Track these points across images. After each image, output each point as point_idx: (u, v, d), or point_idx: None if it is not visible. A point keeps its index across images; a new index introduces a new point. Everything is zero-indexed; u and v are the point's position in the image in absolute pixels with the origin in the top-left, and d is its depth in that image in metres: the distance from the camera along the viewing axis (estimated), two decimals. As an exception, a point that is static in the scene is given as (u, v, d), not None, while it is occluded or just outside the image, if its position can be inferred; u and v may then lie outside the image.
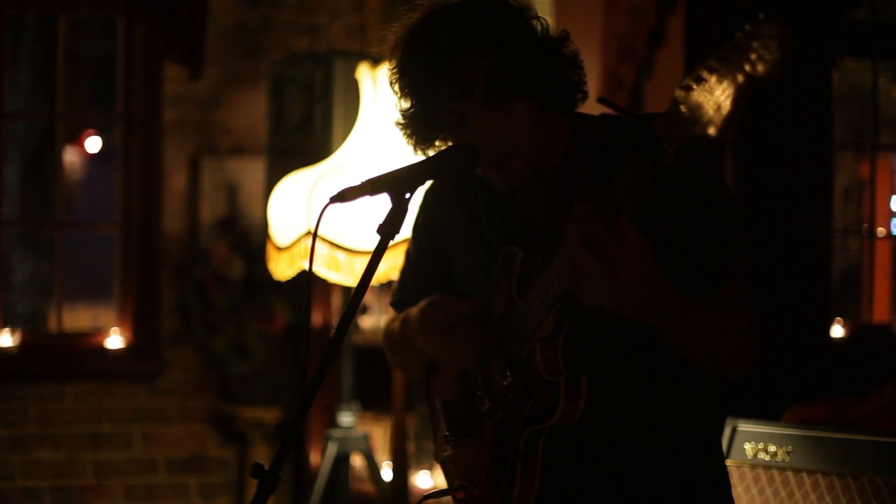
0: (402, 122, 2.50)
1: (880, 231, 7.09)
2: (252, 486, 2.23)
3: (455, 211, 2.65)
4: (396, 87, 2.47)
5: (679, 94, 2.01)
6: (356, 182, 2.31)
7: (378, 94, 4.71)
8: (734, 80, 1.95)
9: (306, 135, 5.24)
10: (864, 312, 6.82)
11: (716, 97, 1.97)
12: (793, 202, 5.58)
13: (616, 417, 2.44)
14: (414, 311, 2.63)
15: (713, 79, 1.97)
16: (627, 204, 2.12)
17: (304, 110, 5.31)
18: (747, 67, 1.93)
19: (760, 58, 1.92)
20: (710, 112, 1.98)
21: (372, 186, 2.31)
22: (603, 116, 2.53)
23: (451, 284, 2.69)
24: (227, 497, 6.91)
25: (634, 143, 2.08)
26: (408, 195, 2.30)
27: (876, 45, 6.46)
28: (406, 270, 2.81)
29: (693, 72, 2.01)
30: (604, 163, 2.38)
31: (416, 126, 2.48)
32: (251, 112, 6.88)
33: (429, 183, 2.71)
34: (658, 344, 2.38)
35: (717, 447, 2.58)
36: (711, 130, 1.99)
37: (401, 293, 2.81)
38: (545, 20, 2.47)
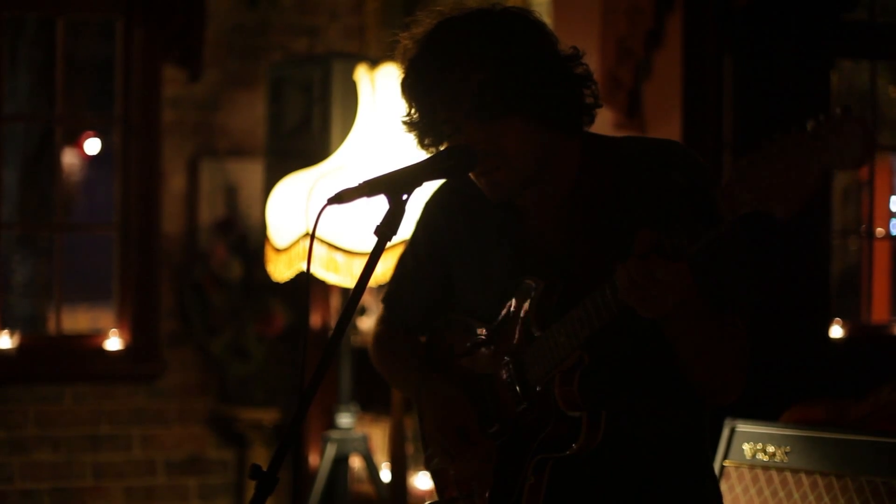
0: (407, 125, 2.50)
1: (879, 231, 7.08)
2: (251, 488, 2.23)
3: (462, 225, 2.65)
4: (401, 93, 2.49)
5: (742, 165, 2.01)
6: (354, 184, 2.32)
7: (376, 95, 4.71)
8: (809, 168, 1.95)
9: (304, 136, 5.25)
10: (862, 313, 6.81)
11: (783, 179, 1.97)
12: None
13: (622, 446, 2.46)
14: (440, 391, 2.60)
15: (784, 160, 1.96)
16: (673, 260, 2.16)
17: (302, 112, 5.32)
18: (824, 159, 1.93)
19: (840, 153, 1.92)
20: (778, 192, 1.98)
21: (369, 188, 2.31)
22: (621, 139, 2.54)
23: (449, 299, 2.69)
24: (226, 498, 6.91)
25: (692, 207, 2.10)
26: (405, 197, 2.30)
27: (874, 46, 6.46)
28: (401, 284, 2.79)
29: (762, 147, 2.00)
30: (623, 190, 2.43)
31: (419, 131, 2.49)
32: (250, 114, 6.88)
33: (432, 195, 2.72)
34: (665, 373, 2.43)
35: (711, 470, 2.61)
36: (778, 211, 1.99)
37: (395, 307, 2.80)
38: (555, 37, 2.46)
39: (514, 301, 2.51)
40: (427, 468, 2.73)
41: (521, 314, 2.48)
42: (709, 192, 2.08)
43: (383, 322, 2.83)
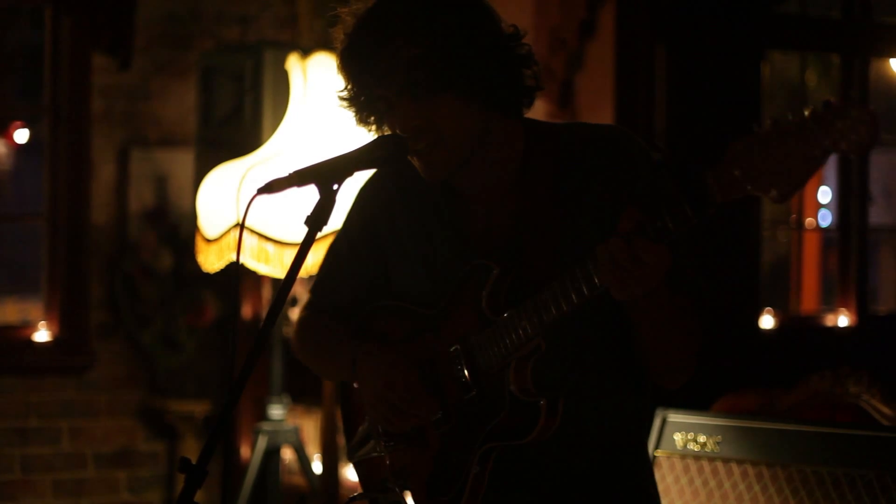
0: (344, 102, 2.48)
1: (809, 222, 7.16)
2: (181, 481, 2.23)
3: (399, 209, 2.60)
4: (338, 68, 2.46)
5: (737, 146, 2.01)
6: (284, 174, 2.30)
7: (308, 85, 4.69)
8: (810, 153, 1.95)
9: (236, 126, 5.21)
10: (792, 303, 6.88)
11: (783, 163, 1.96)
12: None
13: (568, 432, 2.43)
14: (380, 353, 2.54)
15: (785, 145, 1.96)
16: (655, 242, 2.14)
17: (233, 101, 5.28)
18: (828, 143, 1.93)
19: (845, 138, 1.92)
20: (776, 176, 1.97)
21: (299, 178, 2.29)
22: (564, 125, 2.53)
23: (384, 285, 2.64)
24: (156, 491, 6.86)
25: (682, 187, 2.09)
26: (336, 186, 2.29)
27: (804, 38, 6.51)
28: (332, 271, 2.73)
29: (760, 130, 1.99)
30: (569, 177, 2.41)
31: (356, 108, 2.47)
32: (180, 103, 6.83)
33: (367, 179, 2.68)
34: (615, 359, 2.44)
35: (647, 456, 2.61)
36: (773, 194, 1.99)
37: (324, 293, 2.73)
38: (497, 16, 2.44)
39: (463, 284, 2.47)
40: (350, 459, 2.70)
41: (473, 298, 2.45)
42: (700, 173, 2.07)
43: (309, 307, 2.76)
